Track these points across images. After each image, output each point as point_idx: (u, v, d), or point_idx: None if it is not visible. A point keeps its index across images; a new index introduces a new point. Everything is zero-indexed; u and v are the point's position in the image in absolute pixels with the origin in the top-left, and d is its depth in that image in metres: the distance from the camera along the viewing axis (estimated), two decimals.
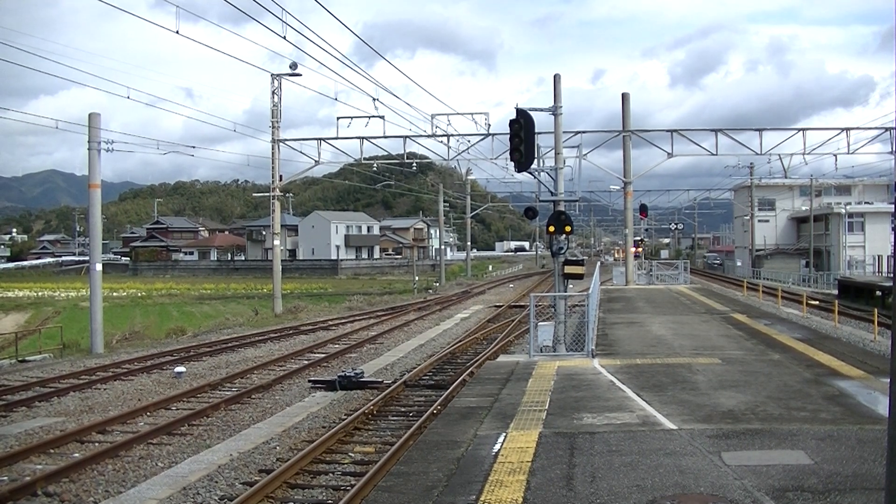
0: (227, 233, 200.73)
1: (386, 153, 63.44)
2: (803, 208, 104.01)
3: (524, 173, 25.87)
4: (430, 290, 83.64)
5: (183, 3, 30.43)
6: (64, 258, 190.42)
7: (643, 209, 72.47)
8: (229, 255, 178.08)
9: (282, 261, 66.20)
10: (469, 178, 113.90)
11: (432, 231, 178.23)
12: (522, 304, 54.09)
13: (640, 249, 66.23)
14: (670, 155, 56.92)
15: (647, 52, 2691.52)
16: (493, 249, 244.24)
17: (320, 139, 58.96)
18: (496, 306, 58.75)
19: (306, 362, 32.27)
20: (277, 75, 56.80)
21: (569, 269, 25.25)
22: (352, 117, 55.17)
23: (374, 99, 50.22)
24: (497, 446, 12.63)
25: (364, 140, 56.86)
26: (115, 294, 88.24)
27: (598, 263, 64.51)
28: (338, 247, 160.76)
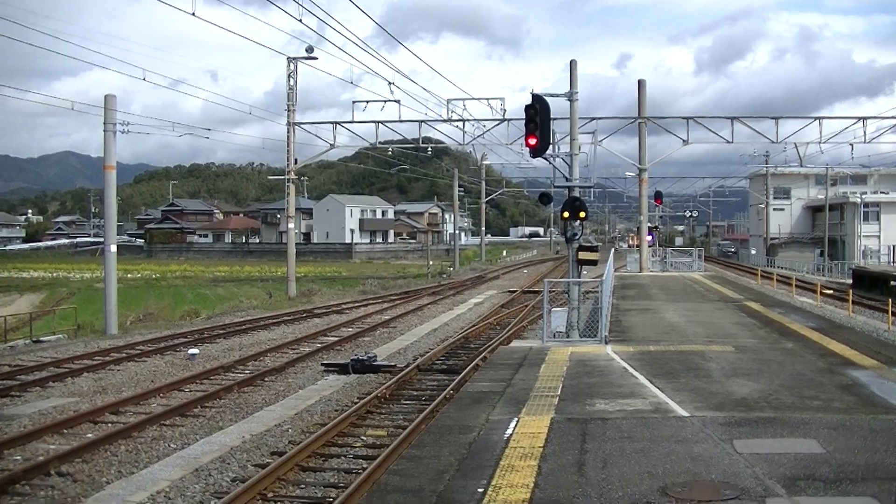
0: (241, 216, 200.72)
1: (401, 137, 63.21)
2: (819, 197, 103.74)
3: (539, 159, 25.83)
4: (444, 275, 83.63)
5: None
6: (79, 239, 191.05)
7: (658, 196, 72.15)
8: (244, 237, 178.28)
9: (296, 244, 66.27)
10: (484, 163, 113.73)
11: (447, 216, 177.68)
12: (536, 289, 54.10)
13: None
14: (686, 142, 56.77)
15: (674, 38, 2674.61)
16: (508, 235, 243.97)
17: (336, 123, 58.91)
18: (510, 292, 58.73)
19: (319, 345, 32.31)
20: (293, 59, 56.75)
21: (583, 256, 25.22)
22: (367, 101, 55.16)
23: (389, 83, 50.02)
24: (509, 431, 12.63)
25: (379, 124, 56.84)
26: (129, 276, 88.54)
27: (613, 250, 64.35)
28: (352, 231, 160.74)
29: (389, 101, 53.40)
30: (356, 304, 50.55)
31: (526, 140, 24.55)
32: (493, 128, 56.95)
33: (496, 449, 11.69)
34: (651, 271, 59.85)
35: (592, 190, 30.35)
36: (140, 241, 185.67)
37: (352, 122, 57.16)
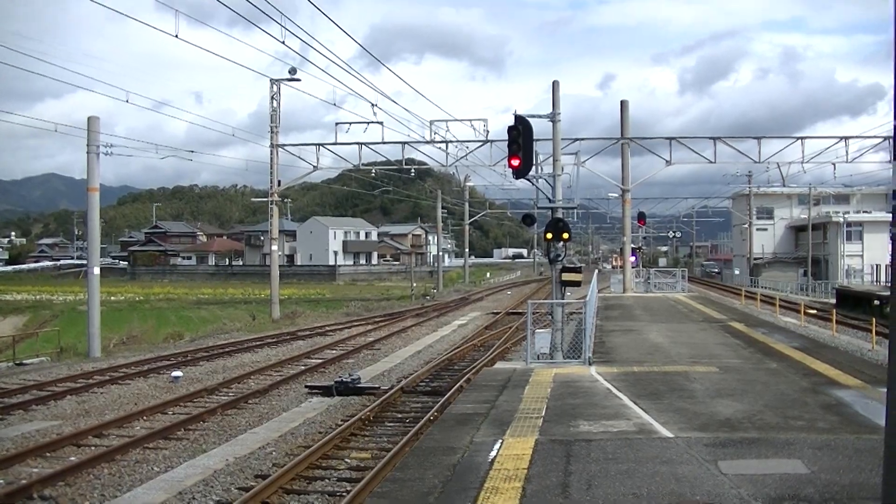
0: (225, 238, 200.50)
1: (384, 159, 63.23)
2: (802, 217, 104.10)
3: (522, 180, 25.86)
4: (428, 297, 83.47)
5: (187, 8, 30.51)
6: (62, 262, 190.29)
7: (641, 217, 72.42)
8: (227, 259, 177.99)
9: (280, 266, 66.30)
10: (467, 184, 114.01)
11: (430, 237, 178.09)
12: (520, 311, 54.04)
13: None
14: (669, 163, 56.96)
15: (657, 58, 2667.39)
16: (491, 256, 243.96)
17: (319, 144, 59.07)
18: (494, 313, 58.72)
19: (303, 368, 32.25)
20: (276, 80, 56.81)
21: (566, 277, 25.23)
22: (350, 123, 55.14)
23: (372, 104, 50.12)
24: (493, 453, 12.62)
25: (363, 146, 56.89)
26: (112, 298, 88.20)
27: (596, 271, 64.51)
28: (336, 252, 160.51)
29: (373, 122, 53.54)
30: (340, 326, 50.47)
31: (509, 161, 24.59)
32: (476, 149, 57.02)
33: (480, 471, 11.68)
34: (635, 292, 59.97)
35: (575, 211, 30.35)
36: (123, 264, 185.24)
37: (335, 143, 57.17)
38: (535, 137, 24.96)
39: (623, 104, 58.03)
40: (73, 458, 18.30)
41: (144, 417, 23.06)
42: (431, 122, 54.52)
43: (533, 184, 26.88)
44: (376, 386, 27.20)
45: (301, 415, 23.32)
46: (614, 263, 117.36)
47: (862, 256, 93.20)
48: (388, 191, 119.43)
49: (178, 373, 30.34)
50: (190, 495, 15.52)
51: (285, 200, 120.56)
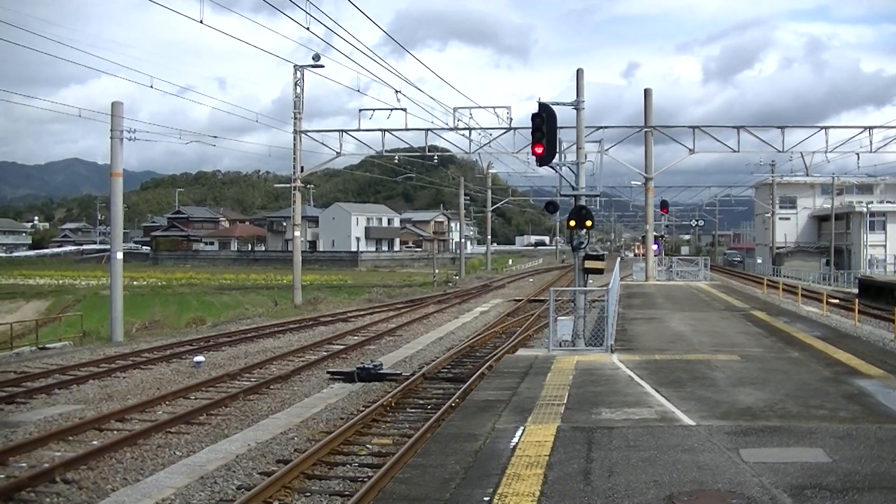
0: (247, 223, 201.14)
1: (407, 146, 63.08)
2: (824, 206, 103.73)
3: (545, 167, 25.81)
4: (450, 284, 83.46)
5: None
6: (85, 246, 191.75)
7: (664, 205, 72.18)
8: (249, 245, 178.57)
9: (302, 252, 66.30)
10: (490, 171, 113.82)
11: (452, 224, 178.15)
12: (542, 298, 53.96)
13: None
14: (692, 151, 56.81)
15: (682, 47, 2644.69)
16: (514, 243, 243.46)
17: (342, 131, 59.10)
18: (515, 300, 58.65)
19: (325, 353, 32.28)
20: (300, 66, 56.80)
21: (589, 264, 25.18)
22: (374, 109, 55.12)
23: (396, 91, 50.14)
24: (515, 440, 12.63)
25: (386, 132, 56.88)
26: (135, 283, 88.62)
27: (619, 259, 64.32)
28: (358, 239, 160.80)
29: (396, 109, 53.46)
30: (362, 313, 50.50)
31: (532, 148, 24.56)
32: (499, 136, 56.96)
33: (502, 457, 11.69)
34: (657, 280, 59.91)
35: (598, 199, 30.26)
36: (146, 249, 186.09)
37: (358, 130, 57.20)
38: (558, 125, 24.91)
39: (647, 93, 57.87)
40: (95, 442, 18.38)
41: (167, 402, 23.13)
42: (455, 109, 54.51)
43: (556, 171, 26.81)
44: (398, 372, 27.21)
45: (323, 400, 23.36)
46: (637, 251, 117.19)
47: (885, 246, 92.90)
48: (410, 177, 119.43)
49: (200, 358, 30.42)
50: (212, 480, 15.56)
51: (308, 186, 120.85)
